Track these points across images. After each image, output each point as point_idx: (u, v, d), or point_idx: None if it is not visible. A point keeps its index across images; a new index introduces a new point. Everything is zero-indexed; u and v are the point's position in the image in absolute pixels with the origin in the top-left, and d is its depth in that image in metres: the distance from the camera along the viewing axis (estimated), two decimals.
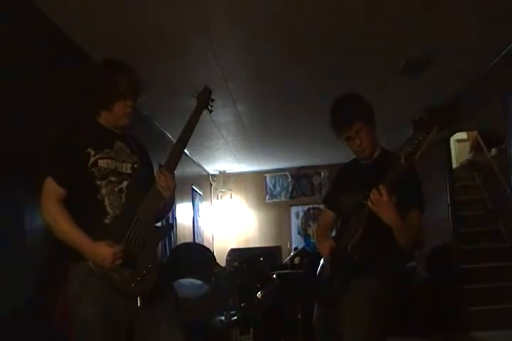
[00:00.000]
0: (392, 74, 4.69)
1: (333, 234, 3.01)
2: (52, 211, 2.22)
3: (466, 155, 8.63)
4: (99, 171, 2.29)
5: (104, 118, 2.41)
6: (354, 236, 2.56)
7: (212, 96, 2.62)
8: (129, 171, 2.38)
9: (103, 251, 2.15)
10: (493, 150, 7.83)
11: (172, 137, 6.33)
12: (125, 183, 2.35)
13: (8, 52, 2.97)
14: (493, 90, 4.73)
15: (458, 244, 6.24)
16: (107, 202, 2.29)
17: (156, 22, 3.62)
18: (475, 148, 8.37)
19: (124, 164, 2.39)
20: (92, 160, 2.29)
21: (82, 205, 2.27)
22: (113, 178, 2.32)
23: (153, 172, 2.56)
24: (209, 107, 2.61)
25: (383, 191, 2.36)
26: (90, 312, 2.17)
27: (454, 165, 7.57)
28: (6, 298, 2.72)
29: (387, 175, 2.39)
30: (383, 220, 2.43)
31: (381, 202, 2.38)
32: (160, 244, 5.58)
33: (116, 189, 2.32)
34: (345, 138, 2.67)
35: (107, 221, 2.27)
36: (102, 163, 2.30)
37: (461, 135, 8.45)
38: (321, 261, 2.87)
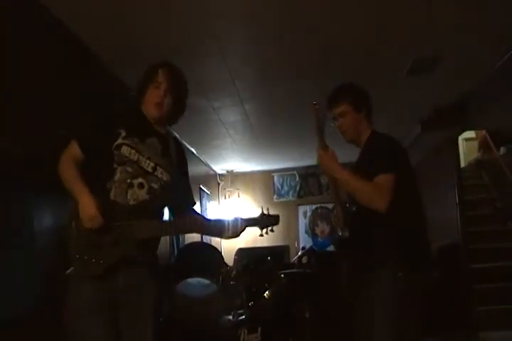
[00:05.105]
0: (400, 74, 4.68)
1: None
2: (62, 164, 2.31)
3: (475, 154, 8.61)
4: (118, 156, 2.31)
5: (144, 109, 2.45)
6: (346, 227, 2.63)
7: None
8: (149, 170, 2.37)
9: (88, 205, 2.18)
10: (502, 149, 7.81)
11: (179, 136, 6.34)
12: (140, 180, 2.34)
13: (19, 53, 3.00)
14: (501, 89, 4.71)
15: (466, 243, 6.22)
16: (112, 193, 2.30)
17: (164, 23, 3.63)
18: (483, 147, 8.34)
19: (148, 161, 2.38)
20: (118, 141, 2.32)
21: (92, 184, 2.29)
22: (130, 169, 2.33)
23: (182, 179, 2.55)
24: (263, 231, 2.46)
25: (320, 144, 2.52)
26: (79, 306, 2.23)
27: (462, 164, 7.56)
28: (17, 297, 2.74)
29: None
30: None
31: (322, 159, 2.52)
32: (168, 242, 5.66)
33: (128, 181, 2.32)
34: (332, 117, 2.77)
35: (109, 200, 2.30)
36: (125, 149, 2.33)
37: (470, 134, 8.42)
38: None
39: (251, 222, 2.42)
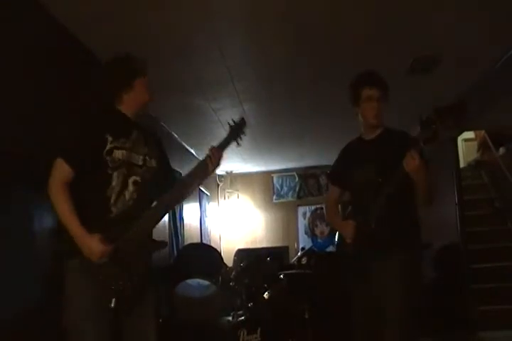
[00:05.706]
0: (400, 74, 4.68)
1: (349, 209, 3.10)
2: (54, 192, 2.25)
3: (474, 155, 8.60)
4: (112, 161, 2.31)
5: (126, 102, 2.46)
6: (375, 213, 2.69)
7: (239, 123, 2.70)
8: (140, 163, 2.42)
9: (93, 246, 2.18)
10: (501, 150, 7.80)
11: (178, 137, 6.34)
12: (134, 178, 2.37)
13: (19, 54, 3.00)
14: (501, 89, 4.71)
15: (465, 243, 6.21)
16: (112, 200, 2.31)
17: (163, 22, 3.63)
18: (483, 147, 8.33)
19: (138, 156, 2.41)
20: (108, 147, 2.31)
21: (90, 195, 2.30)
22: (125, 170, 2.35)
23: (164, 162, 2.61)
24: (238, 140, 2.63)
25: (415, 155, 2.52)
26: (82, 307, 2.22)
27: (462, 165, 7.55)
28: (17, 297, 2.73)
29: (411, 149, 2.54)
30: (415, 180, 2.62)
31: (414, 164, 2.52)
32: (167, 243, 5.64)
33: (125, 182, 2.34)
34: (365, 98, 2.81)
35: (111, 215, 2.29)
36: (117, 153, 2.33)
37: (469, 134, 8.42)
38: (336, 239, 3.02)
39: (225, 144, 2.57)
